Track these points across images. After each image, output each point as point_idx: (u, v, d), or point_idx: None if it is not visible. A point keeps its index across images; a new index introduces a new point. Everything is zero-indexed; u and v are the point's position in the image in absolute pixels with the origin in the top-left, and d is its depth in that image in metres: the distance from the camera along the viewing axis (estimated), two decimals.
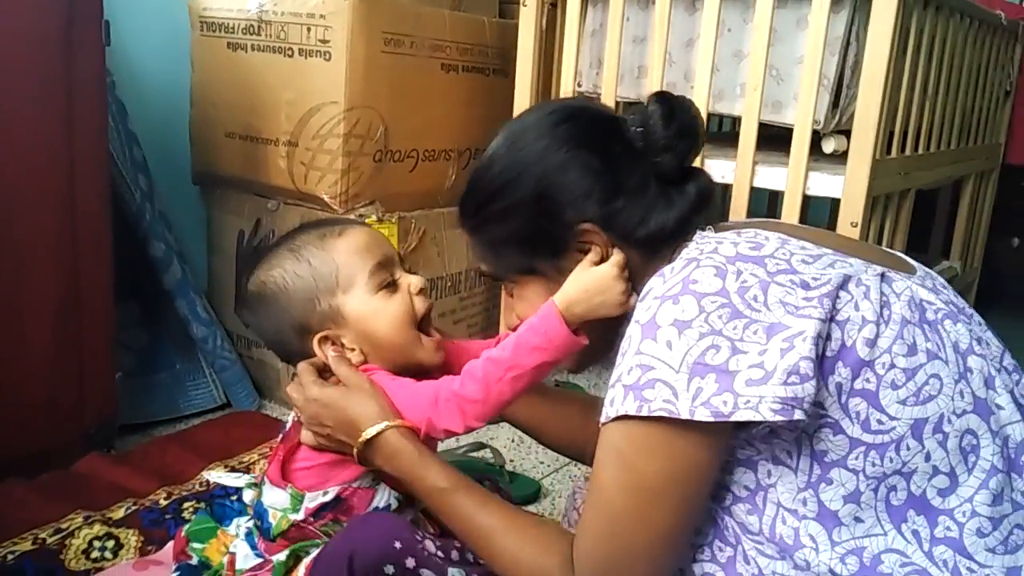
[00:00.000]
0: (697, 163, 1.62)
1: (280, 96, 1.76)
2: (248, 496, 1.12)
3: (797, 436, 0.76)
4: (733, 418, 0.71)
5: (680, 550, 0.80)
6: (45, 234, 1.39)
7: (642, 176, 0.86)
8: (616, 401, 0.76)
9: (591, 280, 0.87)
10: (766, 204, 2.51)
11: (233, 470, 1.52)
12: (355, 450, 0.92)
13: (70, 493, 1.37)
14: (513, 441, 1.78)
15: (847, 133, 1.55)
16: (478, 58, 1.96)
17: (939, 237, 2.59)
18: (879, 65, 1.44)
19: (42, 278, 1.39)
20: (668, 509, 0.76)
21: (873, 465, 0.75)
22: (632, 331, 0.77)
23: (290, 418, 1.05)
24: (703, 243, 0.82)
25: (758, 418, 0.70)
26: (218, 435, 1.67)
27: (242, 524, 1.10)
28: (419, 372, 1.01)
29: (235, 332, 1.94)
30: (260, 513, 1.01)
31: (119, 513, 1.34)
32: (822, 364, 0.73)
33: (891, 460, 0.75)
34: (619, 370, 0.77)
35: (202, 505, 1.37)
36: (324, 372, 0.99)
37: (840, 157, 1.60)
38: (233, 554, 1.03)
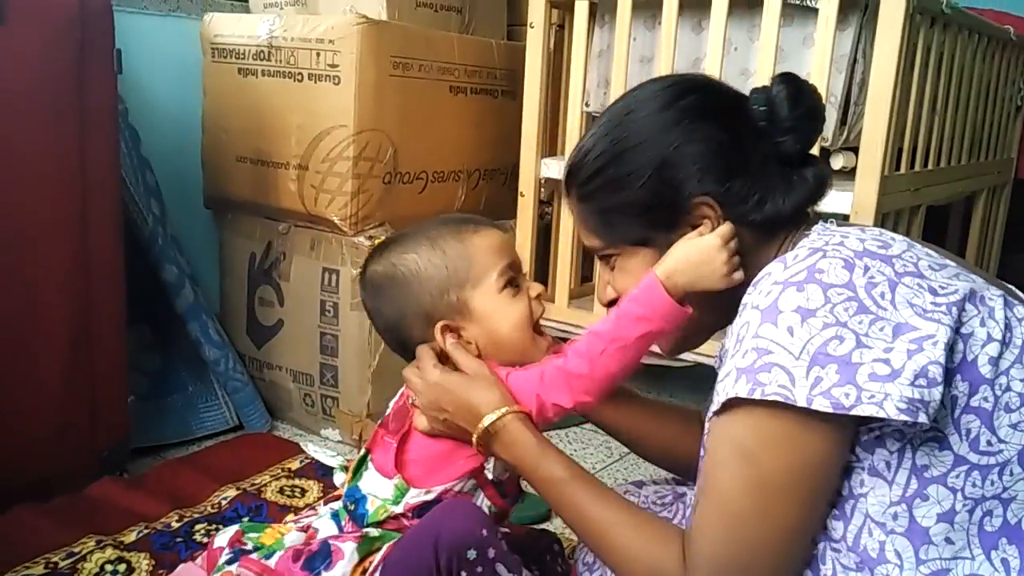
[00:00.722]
0: None
1: (290, 120, 1.78)
2: (339, 479, 1.11)
3: (902, 446, 0.73)
4: (855, 411, 0.68)
5: (805, 548, 0.77)
6: (59, 259, 1.40)
7: (763, 156, 0.84)
8: (728, 385, 0.73)
9: (694, 250, 0.84)
10: None
11: (244, 492, 1.52)
12: (475, 436, 0.91)
13: (82, 517, 1.38)
14: None
15: (855, 150, 1.55)
16: (486, 80, 1.98)
17: (952, 252, 2.57)
18: (886, 82, 1.44)
19: (55, 303, 1.41)
20: (793, 505, 0.73)
21: (973, 486, 0.73)
22: (750, 316, 0.74)
23: (391, 404, 1.04)
24: (827, 235, 0.80)
25: (881, 415, 0.68)
26: (230, 457, 1.68)
27: (324, 510, 1.09)
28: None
29: (247, 354, 1.95)
30: (357, 498, 1.00)
31: (131, 537, 1.34)
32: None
33: (992, 483, 0.73)
34: (734, 358, 0.74)
35: (214, 528, 1.37)
36: (441, 360, 0.99)
37: (849, 174, 1.60)
38: (315, 530, 1.02)
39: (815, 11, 1.51)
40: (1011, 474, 0.73)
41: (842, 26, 1.53)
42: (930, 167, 1.79)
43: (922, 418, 0.68)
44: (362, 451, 1.04)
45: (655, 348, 0.94)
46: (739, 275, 0.84)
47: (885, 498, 0.74)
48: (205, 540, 1.32)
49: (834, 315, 0.70)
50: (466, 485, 0.99)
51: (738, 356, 0.73)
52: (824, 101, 1.47)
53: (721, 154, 0.84)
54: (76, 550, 1.29)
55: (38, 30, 1.31)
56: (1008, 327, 0.74)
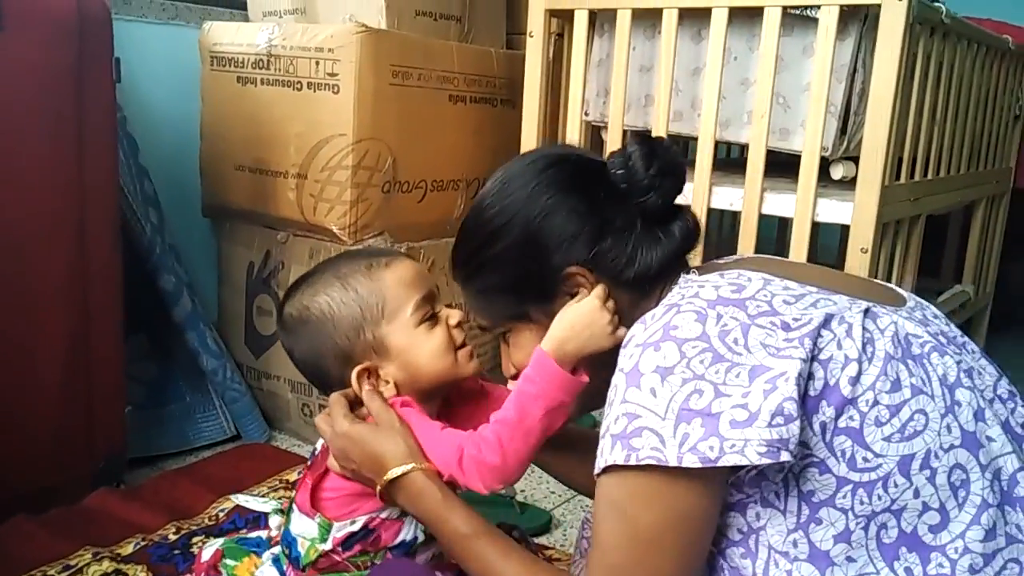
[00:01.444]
0: (705, 190, 1.63)
1: (289, 129, 1.77)
2: (275, 522, 1.11)
3: (784, 477, 0.75)
4: (720, 463, 0.71)
5: None
6: (56, 268, 1.40)
7: (627, 217, 0.87)
8: (605, 451, 0.76)
9: (575, 315, 0.87)
10: (775, 231, 2.50)
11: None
12: (378, 488, 0.92)
13: (79, 529, 1.37)
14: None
15: (855, 159, 1.55)
16: (485, 89, 1.98)
17: (951, 261, 2.58)
18: (886, 91, 1.44)
19: (53, 312, 1.40)
20: (669, 558, 0.76)
21: (861, 503, 0.74)
22: (617, 380, 0.77)
23: (319, 444, 1.04)
24: (685, 287, 0.82)
25: (744, 462, 0.70)
26: (228, 468, 1.67)
27: (268, 551, 1.09)
28: (458, 394, 1.02)
29: (245, 364, 1.94)
30: (289, 541, 1.00)
31: (128, 549, 1.33)
32: (805, 403, 0.73)
33: (879, 498, 0.74)
34: (607, 420, 0.77)
35: (212, 539, 1.36)
36: (355, 404, 0.99)
37: (849, 183, 1.60)
38: None
39: (815, 21, 1.51)
40: (895, 485, 0.74)
41: (842, 36, 1.53)
42: (930, 177, 1.79)
43: (784, 457, 0.70)
44: (292, 494, 1.04)
45: None
46: (622, 331, 0.86)
47: (782, 527, 0.76)
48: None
49: (691, 369, 0.73)
50: (392, 512, 0.98)
51: (610, 419, 0.76)
52: (824, 111, 1.48)
53: (585, 221, 0.86)
54: (73, 562, 1.28)
55: (37, 38, 1.31)
56: (869, 341, 0.76)
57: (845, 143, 1.64)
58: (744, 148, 1.63)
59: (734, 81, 1.67)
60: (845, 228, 1.53)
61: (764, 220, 1.62)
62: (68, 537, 1.34)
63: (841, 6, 1.47)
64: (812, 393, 0.73)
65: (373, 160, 1.73)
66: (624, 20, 1.69)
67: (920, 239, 1.79)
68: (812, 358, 0.74)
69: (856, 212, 1.49)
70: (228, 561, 1.09)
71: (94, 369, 1.47)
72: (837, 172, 1.68)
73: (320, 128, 1.73)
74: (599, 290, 0.87)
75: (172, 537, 1.38)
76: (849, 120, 1.63)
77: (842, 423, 0.74)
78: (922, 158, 1.73)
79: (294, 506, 1.02)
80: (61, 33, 1.33)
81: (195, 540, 1.38)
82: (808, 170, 1.52)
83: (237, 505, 1.50)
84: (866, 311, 0.78)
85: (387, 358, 0.98)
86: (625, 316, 0.87)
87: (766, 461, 0.70)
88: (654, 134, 0.97)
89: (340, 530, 0.97)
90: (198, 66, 1.91)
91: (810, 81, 1.52)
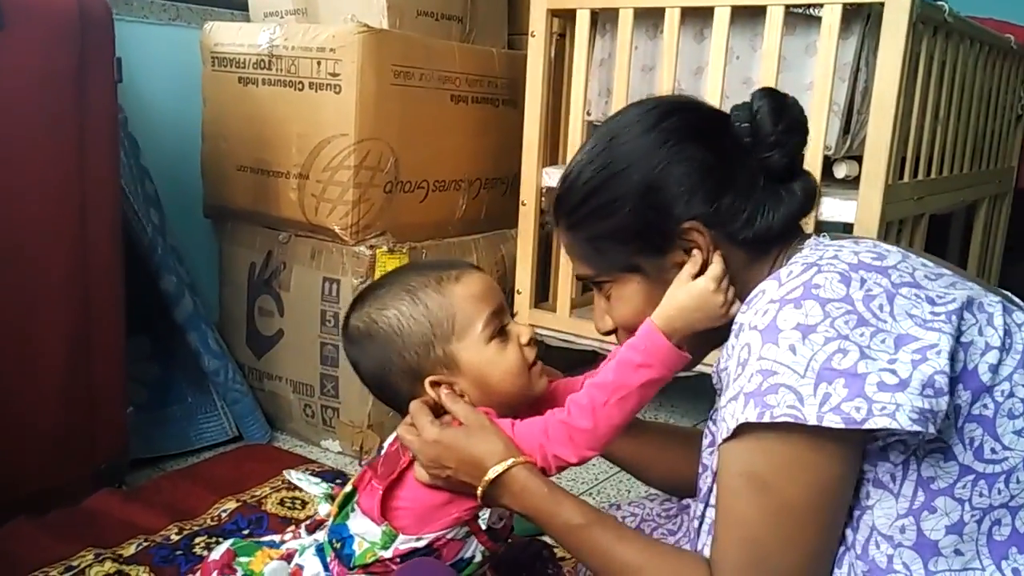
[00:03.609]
0: None
1: (291, 129, 1.77)
2: (324, 509, 1.09)
3: (906, 458, 0.73)
4: (867, 425, 0.67)
5: (830, 565, 0.76)
6: (57, 269, 1.39)
7: (750, 173, 0.83)
8: (736, 411, 0.72)
9: (688, 296, 0.84)
10: None
11: (244, 504, 1.50)
12: (480, 489, 0.88)
13: (81, 530, 1.36)
14: None
15: (859, 158, 1.54)
16: (487, 89, 1.97)
17: (953, 261, 2.56)
18: (889, 91, 1.44)
19: (54, 313, 1.39)
20: (815, 529, 0.72)
21: (980, 495, 0.72)
22: (749, 337, 0.73)
23: (384, 445, 1.01)
24: (821, 249, 0.79)
25: (895, 426, 0.67)
26: (230, 469, 1.66)
27: (308, 540, 1.06)
28: (526, 405, 0.99)
29: (246, 364, 1.94)
30: (344, 537, 0.97)
31: (130, 550, 1.33)
32: None
33: (999, 492, 0.72)
34: (739, 381, 0.73)
35: (214, 540, 1.36)
36: (437, 412, 0.96)
37: (852, 182, 1.60)
38: (300, 567, 1.00)
39: (818, 20, 1.51)
40: (1018, 481, 0.72)
41: (845, 35, 1.53)
42: (933, 176, 1.79)
43: (931, 429, 0.68)
44: (348, 487, 1.01)
45: None
46: (735, 308, 0.84)
47: (892, 511, 0.73)
48: (205, 553, 1.31)
49: (835, 329, 0.70)
50: (459, 532, 0.96)
51: (743, 379, 0.73)
52: (827, 110, 1.48)
53: (707, 175, 0.83)
54: (75, 564, 1.28)
55: (38, 38, 1.30)
56: (1008, 333, 0.74)
57: (848, 142, 1.63)
58: None
59: (737, 80, 1.67)
60: (849, 227, 1.52)
61: None
62: (70, 538, 1.33)
63: (844, 5, 1.47)
64: (952, 375, 0.70)
65: (375, 160, 1.73)
66: (626, 19, 1.69)
67: (923, 238, 1.78)
68: (956, 338, 0.71)
69: (860, 211, 1.49)
70: (242, 558, 1.07)
71: (96, 370, 1.47)
72: (840, 171, 1.68)
73: (322, 128, 1.73)
74: (716, 269, 0.83)
75: (174, 538, 1.37)
76: (852, 119, 1.62)
77: (976, 410, 0.72)
78: (925, 157, 1.73)
79: (356, 506, 0.99)
80: (62, 33, 1.33)
81: (197, 541, 1.37)
82: (811, 169, 1.51)
83: (239, 506, 1.49)
84: (1003, 303, 0.76)
85: (458, 373, 0.95)
86: (738, 277, 0.84)
87: (916, 429, 0.67)
88: None
89: (405, 543, 0.94)
90: (199, 66, 1.91)
91: (813, 80, 1.52)
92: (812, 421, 0.68)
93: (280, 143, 1.79)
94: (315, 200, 1.76)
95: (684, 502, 1.11)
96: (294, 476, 1.32)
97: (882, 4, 1.43)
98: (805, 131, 0.86)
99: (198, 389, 1.86)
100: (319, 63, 1.71)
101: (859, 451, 0.73)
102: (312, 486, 1.25)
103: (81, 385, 1.45)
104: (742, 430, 0.72)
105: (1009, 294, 0.86)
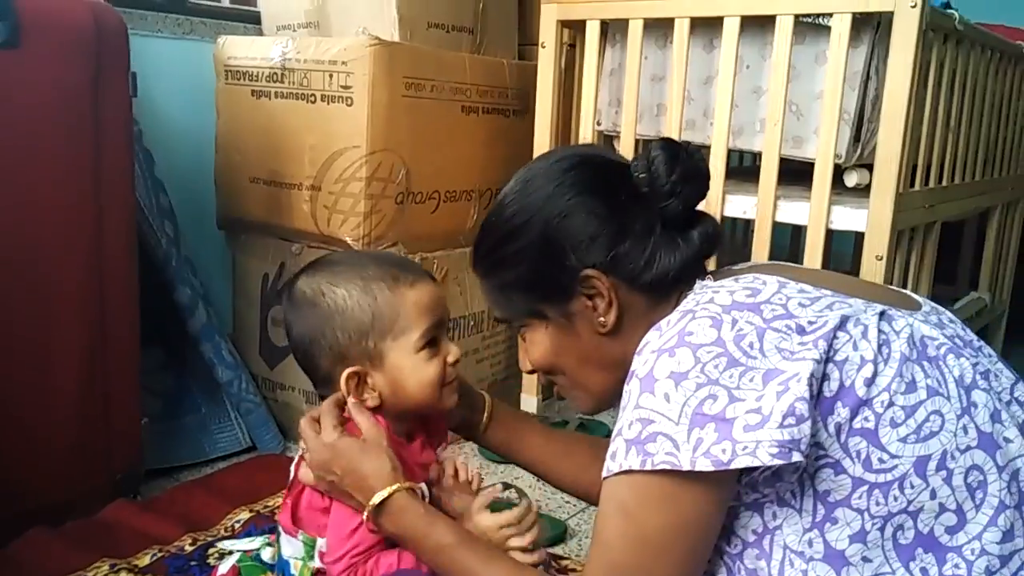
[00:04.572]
0: (719, 198, 1.63)
1: (303, 141, 1.78)
2: (267, 555, 1.11)
3: (799, 476, 0.76)
4: (732, 465, 0.71)
5: None
6: (72, 282, 1.41)
7: (647, 221, 0.87)
8: (619, 455, 0.76)
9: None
10: (789, 239, 2.49)
11: (258, 515, 1.51)
12: (366, 512, 0.93)
13: (95, 541, 1.37)
14: (539, 481, 1.76)
15: (869, 167, 1.54)
16: (498, 100, 1.98)
17: (966, 268, 2.56)
18: (900, 99, 1.44)
19: (69, 325, 1.41)
20: (672, 562, 0.77)
21: (877, 504, 0.75)
22: (631, 386, 0.78)
23: (294, 463, 1.03)
24: (700, 294, 0.83)
25: (756, 463, 0.71)
26: (244, 479, 1.67)
27: None
28: (426, 415, 1.04)
29: (260, 375, 1.95)
30: (283, 567, 1.00)
31: (144, 560, 1.34)
32: (820, 404, 0.74)
33: (895, 499, 0.74)
34: (619, 424, 0.78)
35: (227, 552, 1.36)
36: (341, 410, 0.99)
37: (863, 190, 1.59)
38: None
39: (827, 29, 1.51)
40: (911, 486, 0.74)
41: (855, 43, 1.53)
42: (944, 184, 1.78)
43: (795, 457, 0.71)
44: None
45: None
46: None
47: (798, 526, 0.77)
48: (219, 564, 1.31)
49: (705, 374, 0.73)
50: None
51: (624, 425, 0.76)
52: (837, 119, 1.48)
53: (604, 224, 0.86)
54: (90, 574, 1.29)
55: (54, 53, 1.32)
56: (886, 343, 0.76)
57: (859, 150, 1.63)
58: (757, 156, 1.63)
59: (746, 89, 1.67)
60: (860, 236, 1.52)
61: (778, 228, 1.62)
62: (85, 549, 1.34)
63: (853, 14, 1.47)
64: (827, 394, 0.74)
65: (387, 171, 1.74)
66: (636, 30, 1.70)
67: (935, 246, 1.78)
68: (827, 359, 0.74)
69: (871, 219, 1.48)
70: None
71: (110, 382, 1.48)
72: (851, 179, 1.68)
73: (334, 140, 1.74)
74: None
75: (188, 548, 1.38)
76: (863, 127, 1.62)
77: (857, 424, 0.74)
78: (936, 165, 1.73)
79: (280, 529, 1.02)
80: (78, 49, 1.35)
81: (211, 552, 1.38)
82: (822, 177, 1.52)
83: (252, 516, 1.50)
84: (881, 314, 0.79)
85: (380, 370, 0.98)
86: (639, 321, 0.87)
87: (777, 462, 0.70)
88: None
89: (324, 545, 0.97)
90: (213, 80, 1.93)
91: (823, 89, 1.52)
92: (686, 466, 0.72)
93: (292, 155, 1.80)
94: (327, 211, 1.77)
95: None
96: (227, 545, 1.32)
97: (892, 12, 1.43)
98: (701, 180, 0.88)
99: (212, 400, 1.87)
100: (331, 76, 1.72)
101: (727, 488, 0.77)
102: (247, 544, 1.24)
103: (96, 397, 1.46)
104: (621, 472, 0.76)
105: (914, 296, 0.89)
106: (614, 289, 0.86)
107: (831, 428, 0.74)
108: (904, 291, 0.92)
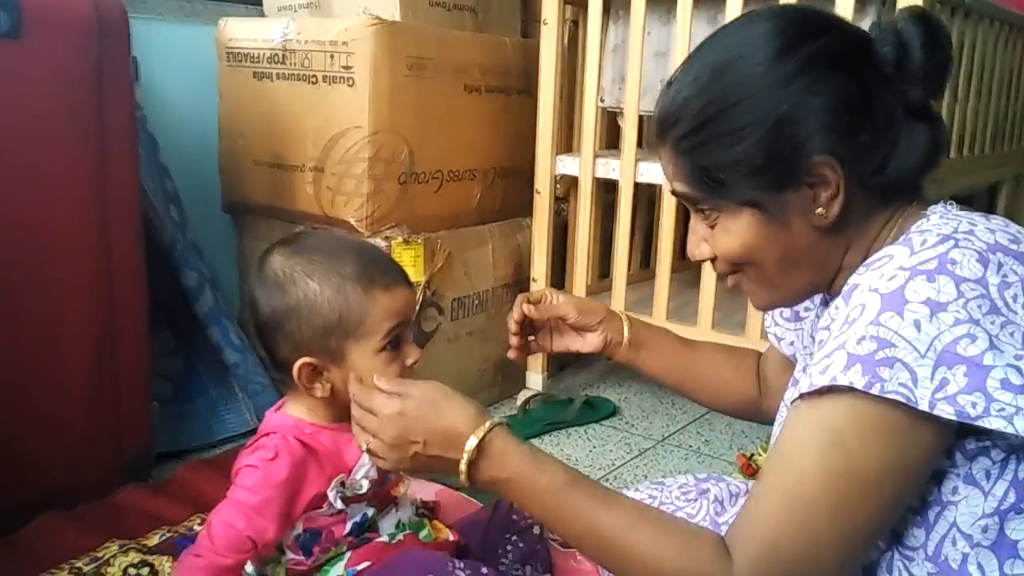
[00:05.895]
0: None
1: (305, 123, 1.78)
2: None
3: (1006, 457, 0.69)
4: (981, 423, 0.63)
5: (871, 549, 0.73)
6: (80, 268, 1.41)
7: (890, 108, 0.76)
8: (835, 368, 0.67)
9: None
10: None
11: None
12: (465, 459, 0.83)
13: (106, 523, 1.39)
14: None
15: None
16: (500, 78, 1.97)
17: None
18: None
19: (77, 311, 1.42)
20: (875, 504, 0.68)
21: None
22: (867, 299, 0.68)
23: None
24: (953, 220, 0.73)
25: (1010, 431, 0.63)
26: None
27: None
28: None
29: (267, 357, 1.96)
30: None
31: (153, 540, 1.35)
32: None
33: None
34: (841, 337, 0.68)
35: None
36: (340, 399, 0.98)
37: None
38: None
39: (832, 2, 1.49)
40: None
41: (860, 16, 1.51)
42: (953, 157, 1.77)
43: None
44: None
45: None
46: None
47: (978, 509, 0.70)
48: None
49: (967, 311, 0.65)
50: (329, 509, 0.99)
51: (851, 341, 0.67)
52: None
53: (848, 108, 0.74)
54: (100, 555, 1.30)
55: (55, 41, 1.32)
56: None
57: None
58: None
59: None
60: None
61: None
62: (97, 532, 1.36)
63: None
64: None
65: (389, 152, 1.74)
66: (639, 5, 1.68)
67: None
68: None
69: None
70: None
71: (120, 366, 1.49)
72: None
73: (336, 121, 1.73)
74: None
75: (197, 528, 1.40)
76: None
77: None
78: (944, 139, 1.71)
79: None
80: (80, 36, 1.35)
81: None
82: None
83: None
84: None
85: (338, 367, 0.96)
86: (858, 223, 0.78)
87: None
88: None
89: (287, 554, 0.98)
90: (215, 63, 1.93)
91: None
92: (923, 407, 0.64)
93: (295, 137, 1.80)
94: (331, 193, 1.77)
95: (703, 486, 1.11)
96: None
97: None
98: (951, 59, 0.78)
99: (220, 382, 1.88)
100: (332, 56, 1.72)
101: (948, 442, 0.69)
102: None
103: (106, 381, 1.47)
104: (836, 390, 0.68)
105: None
106: (844, 182, 0.75)
107: None
108: None
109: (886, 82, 0.76)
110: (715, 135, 0.77)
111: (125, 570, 1.27)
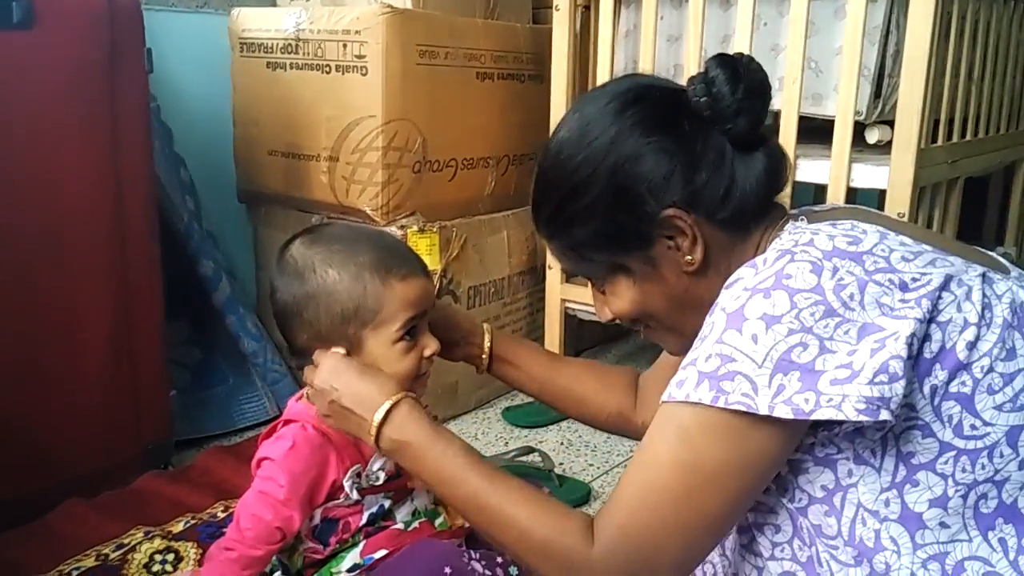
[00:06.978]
0: None
1: (319, 112, 1.79)
2: None
3: (883, 436, 0.73)
4: (814, 416, 0.68)
5: (717, 540, 0.78)
6: (96, 258, 1.43)
7: (717, 147, 0.81)
8: (688, 385, 0.73)
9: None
10: (812, 198, 2.47)
11: None
12: (372, 428, 0.89)
13: (129, 510, 1.41)
14: (562, 444, 1.78)
15: (891, 123, 1.52)
16: (513, 65, 1.97)
17: (992, 223, 2.53)
18: (920, 53, 1.41)
19: (95, 301, 1.43)
20: (720, 497, 0.73)
21: (963, 471, 0.72)
22: (716, 318, 0.74)
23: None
24: (797, 234, 0.78)
25: (840, 417, 0.68)
26: None
27: None
28: None
29: (285, 345, 1.97)
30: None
31: (178, 527, 1.37)
32: (918, 365, 0.71)
33: (983, 467, 0.72)
34: (695, 353, 0.74)
35: None
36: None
37: (884, 147, 1.58)
38: None
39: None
40: (1001, 456, 0.72)
41: (872, 10, 1.50)
42: (968, 138, 1.76)
43: (884, 415, 0.68)
44: None
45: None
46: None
47: (875, 485, 0.74)
48: None
49: (799, 320, 0.70)
50: (346, 500, 1.00)
51: (701, 358, 0.73)
52: (857, 75, 1.46)
53: (676, 159, 0.80)
54: (125, 541, 1.32)
55: (68, 32, 1.33)
56: (987, 307, 0.73)
57: (880, 106, 1.61)
58: (776, 115, 1.61)
59: (764, 47, 1.65)
60: (882, 193, 1.50)
61: (799, 187, 1.61)
62: (119, 518, 1.38)
63: None
64: (927, 355, 0.71)
65: (403, 140, 1.74)
66: None
67: (959, 202, 1.76)
68: (930, 320, 0.71)
69: (892, 176, 1.47)
70: None
71: (138, 355, 1.51)
72: (872, 136, 1.66)
73: (350, 110, 1.74)
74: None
75: (220, 515, 1.41)
76: (883, 83, 1.60)
77: (953, 388, 0.72)
78: (959, 119, 1.70)
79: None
80: (93, 27, 1.35)
81: None
82: (842, 135, 1.50)
83: None
84: (983, 276, 0.75)
85: (357, 355, 0.97)
86: (725, 257, 0.83)
87: (863, 419, 0.68)
88: None
89: (304, 529, 1.00)
90: (228, 53, 1.93)
91: (842, 44, 1.50)
92: (763, 411, 0.70)
93: (309, 126, 1.81)
94: (346, 182, 1.77)
95: None
96: None
97: None
98: (767, 92, 0.83)
99: (238, 371, 1.89)
100: (345, 45, 1.72)
101: (795, 438, 0.74)
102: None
103: (124, 370, 1.49)
104: (691, 402, 0.74)
105: (999, 258, 0.84)
106: (697, 225, 0.81)
107: (926, 390, 0.71)
108: (991, 253, 0.86)
109: (706, 124, 0.81)
110: (568, 217, 0.85)
111: (151, 556, 1.29)
